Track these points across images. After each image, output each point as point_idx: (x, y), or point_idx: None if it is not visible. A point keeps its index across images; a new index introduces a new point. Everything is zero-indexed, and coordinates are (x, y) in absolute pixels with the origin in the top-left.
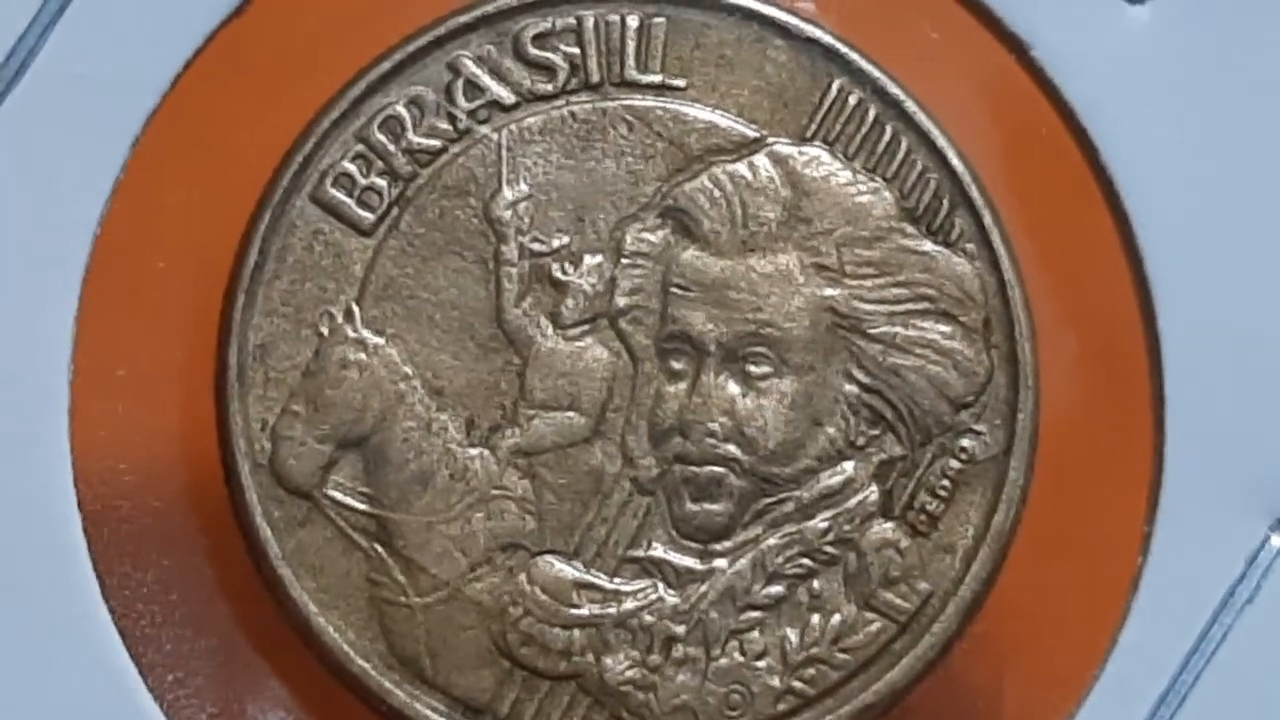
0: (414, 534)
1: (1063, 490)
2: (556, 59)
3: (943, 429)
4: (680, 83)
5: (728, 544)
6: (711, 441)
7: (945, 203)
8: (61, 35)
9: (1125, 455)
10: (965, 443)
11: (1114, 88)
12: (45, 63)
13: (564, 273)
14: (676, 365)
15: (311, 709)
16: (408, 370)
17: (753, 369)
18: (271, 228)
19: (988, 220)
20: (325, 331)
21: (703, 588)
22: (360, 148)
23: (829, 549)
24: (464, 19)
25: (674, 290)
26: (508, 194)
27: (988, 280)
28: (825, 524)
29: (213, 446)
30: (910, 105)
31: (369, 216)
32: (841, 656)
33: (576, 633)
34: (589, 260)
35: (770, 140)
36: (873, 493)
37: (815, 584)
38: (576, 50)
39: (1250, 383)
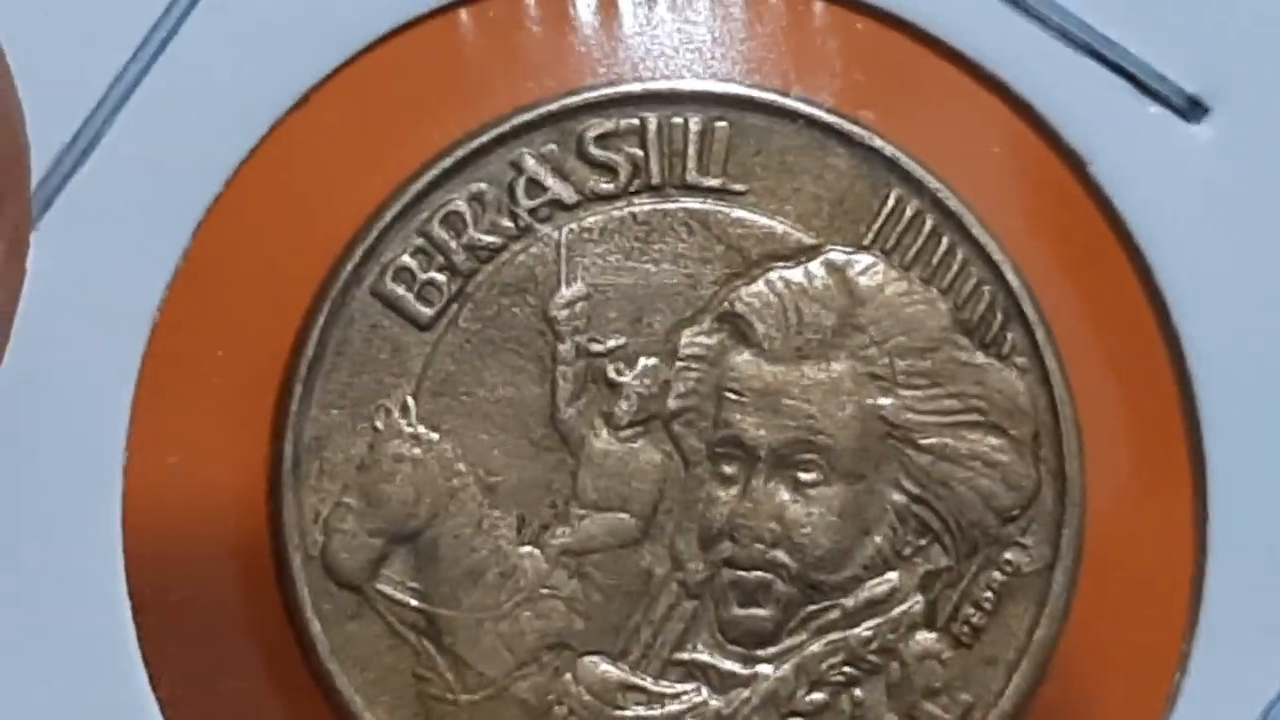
0: (463, 631)
1: (1104, 606)
2: (619, 159)
3: (989, 541)
4: (740, 187)
5: (772, 649)
6: (760, 547)
7: (999, 316)
8: (127, 119)
9: (1167, 573)
10: (1010, 555)
11: (1171, 205)
12: (110, 146)
13: (619, 373)
14: (728, 469)
15: None
16: (461, 467)
17: (803, 476)
18: (331, 319)
19: (1040, 336)
20: (380, 425)
21: (746, 693)
22: (421, 242)
23: (872, 658)
24: (528, 117)
25: (727, 395)
26: (565, 293)
27: (1038, 395)
28: (869, 633)
29: (265, 537)
30: (968, 217)
31: (428, 311)
32: None
33: None
34: (644, 362)
35: (827, 248)
36: (918, 603)
37: (858, 692)
38: (639, 151)
39: None
